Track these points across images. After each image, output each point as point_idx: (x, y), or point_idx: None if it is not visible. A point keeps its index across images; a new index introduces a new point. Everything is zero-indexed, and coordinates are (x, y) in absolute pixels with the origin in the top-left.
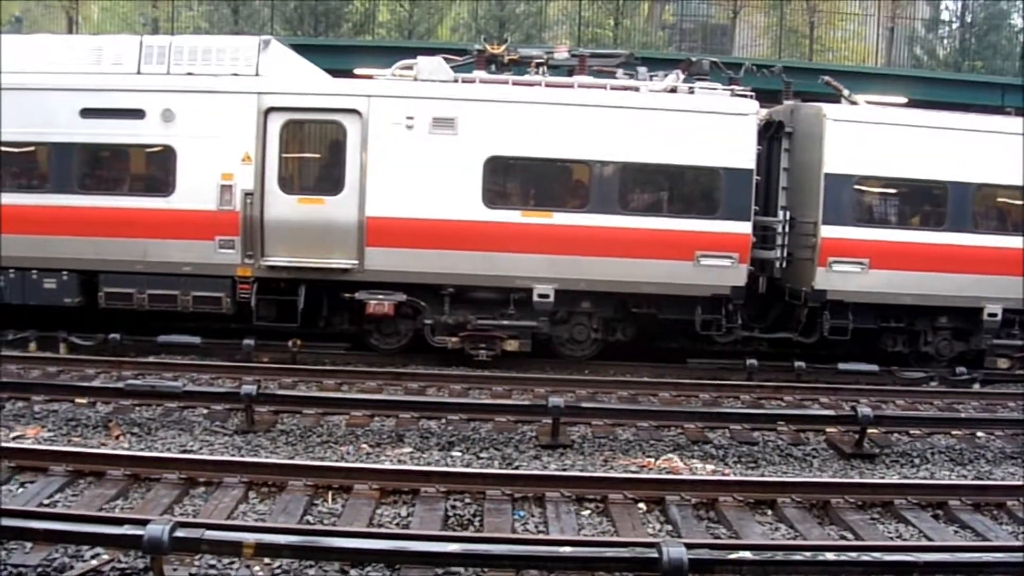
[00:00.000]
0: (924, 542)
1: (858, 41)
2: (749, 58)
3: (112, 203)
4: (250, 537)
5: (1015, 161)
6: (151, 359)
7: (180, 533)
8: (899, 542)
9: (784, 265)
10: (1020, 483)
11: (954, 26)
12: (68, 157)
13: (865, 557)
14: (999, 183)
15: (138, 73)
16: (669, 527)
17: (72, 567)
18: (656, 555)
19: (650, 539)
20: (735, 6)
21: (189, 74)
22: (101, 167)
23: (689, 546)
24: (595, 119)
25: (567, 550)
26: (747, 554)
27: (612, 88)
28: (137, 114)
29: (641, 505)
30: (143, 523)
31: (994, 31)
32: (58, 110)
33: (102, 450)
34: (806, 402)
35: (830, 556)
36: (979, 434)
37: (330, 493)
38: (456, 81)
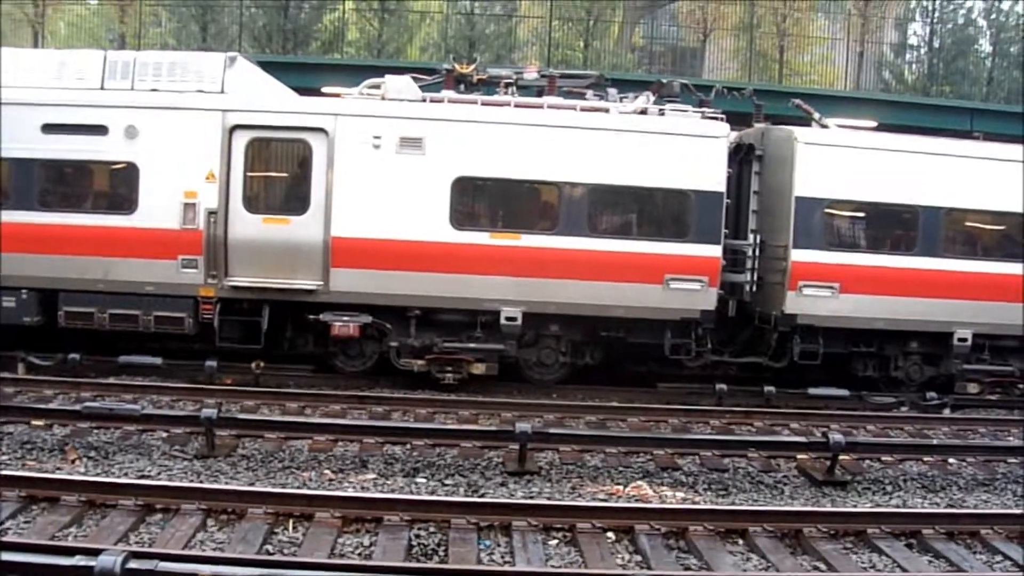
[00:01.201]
0: (899, 573)
1: (826, 65)
2: (719, 80)
3: (73, 220)
4: (206, 569)
5: (985, 185)
6: (111, 380)
7: (133, 564)
8: (873, 573)
9: (754, 289)
10: (993, 511)
11: (922, 51)
12: (29, 173)
13: None
14: (969, 207)
15: (101, 88)
16: (639, 557)
17: None
18: None
19: (619, 571)
20: (705, 29)
21: (153, 90)
22: (62, 183)
23: None
24: (565, 140)
25: None
26: None
27: (582, 109)
28: (100, 130)
29: (610, 534)
30: (95, 553)
31: (962, 56)
32: (19, 125)
33: (56, 475)
34: (776, 427)
35: None
36: (951, 461)
37: (291, 521)
38: (424, 100)
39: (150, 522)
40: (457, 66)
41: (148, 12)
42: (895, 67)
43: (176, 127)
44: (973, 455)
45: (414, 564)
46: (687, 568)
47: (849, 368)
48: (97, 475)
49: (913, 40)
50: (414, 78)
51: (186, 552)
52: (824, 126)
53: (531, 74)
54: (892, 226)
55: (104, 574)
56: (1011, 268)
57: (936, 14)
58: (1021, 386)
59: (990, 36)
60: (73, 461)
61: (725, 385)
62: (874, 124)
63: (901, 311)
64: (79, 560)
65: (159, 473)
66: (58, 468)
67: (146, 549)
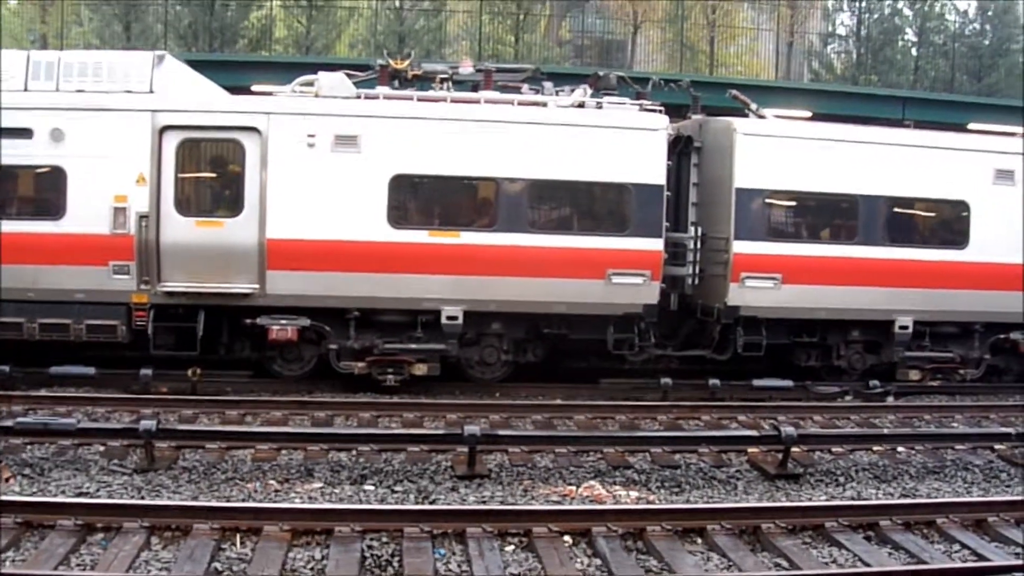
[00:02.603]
0: (861, 567)
1: (751, 56)
2: (649, 72)
3: None
4: None
5: (923, 173)
6: (43, 392)
7: None
8: (836, 569)
9: (696, 282)
10: (948, 500)
11: (850, 41)
12: None
13: None
14: (908, 195)
15: (25, 90)
16: (598, 561)
17: None
18: None
19: None
20: (635, 21)
21: (79, 91)
22: None
23: None
24: (502, 135)
25: None
26: None
27: (519, 103)
28: (24, 133)
29: (567, 538)
30: None
31: (889, 46)
32: None
33: None
34: (724, 421)
35: None
36: (900, 449)
37: (238, 536)
38: (359, 97)
39: (91, 542)
40: (391, 62)
41: (70, 12)
42: (824, 57)
43: (104, 129)
44: (921, 443)
45: None
46: (648, 570)
47: (791, 358)
48: (33, 494)
49: (841, 30)
50: (347, 75)
51: (131, 575)
52: (761, 117)
53: (467, 69)
54: (832, 216)
55: None
56: (949, 255)
57: (863, 3)
58: (962, 372)
59: (915, 25)
60: (7, 480)
61: (670, 379)
62: (809, 114)
63: (843, 300)
64: None
65: (98, 490)
66: None
67: (89, 574)
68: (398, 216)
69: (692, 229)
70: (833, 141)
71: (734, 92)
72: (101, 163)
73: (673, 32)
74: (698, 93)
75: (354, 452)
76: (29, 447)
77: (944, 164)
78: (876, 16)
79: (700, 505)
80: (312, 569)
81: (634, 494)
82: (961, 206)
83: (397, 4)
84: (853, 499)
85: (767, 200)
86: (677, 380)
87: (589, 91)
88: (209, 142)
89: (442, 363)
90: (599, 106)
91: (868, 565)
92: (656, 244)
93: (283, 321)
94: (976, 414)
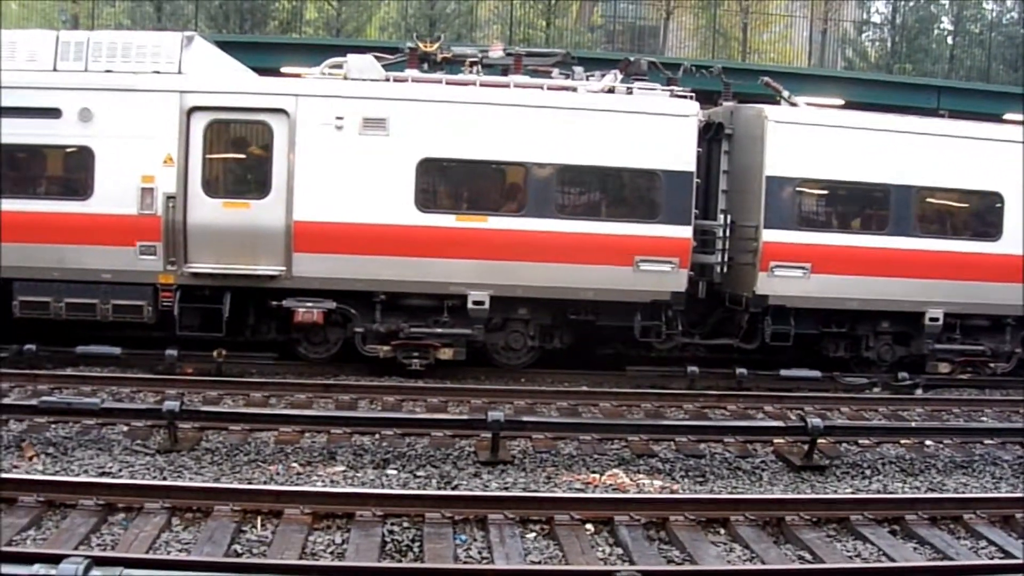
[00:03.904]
0: (886, 562)
1: (785, 43)
2: (682, 58)
3: (27, 207)
4: None
5: (956, 164)
6: (69, 371)
7: (96, 573)
8: (860, 563)
9: (724, 270)
10: (975, 495)
11: (885, 29)
12: None
13: None
14: (940, 186)
15: (54, 70)
16: (620, 550)
17: None
18: None
19: (606, 568)
20: (668, 7)
21: (108, 71)
22: (14, 169)
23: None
24: (531, 120)
25: None
26: None
27: (549, 88)
28: (53, 113)
29: (589, 526)
30: (56, 560)
31: (924, 34)
32: None
33: (13, 474)
34: (750, 411)
35: None
36: (928, 443)
37: (259, 518)
38: (388, 80)
39: (112, 522)
40: (421, 44)
41: None
42: (858, 44)
43: (132, 109)
44: (950, 437)
45: (391, 564)
46: (670, 561)
47: (820, 349)
48: (56, 473)
49: (876, 18)
50: (377, 57)
51: (151, 556)
52: (793, 104)
53: (496, 52)
54: (864, 205)
55: None
56: (982, 247)
57: None
58: (992, 365)
59: (951, 14)
60: (31, 458)
61: (697, 368)
62: (841, 102)
63: (873, 291)
64: (39, 569)
65: (120, 470)
66: (15, 466)
67: (109, 554)
68: (426, 200)
69: (721, 217)
70: (865, 130)
71: (766, 79)
72: (129, 143)
73: (706, 18)
74: (729, 80)
75: (377, 436)
76: (53, 426)
77: (978, 155)
78: (912, 4)
79: (724, 495)
80: (332, 553)
81: (658, 483)
82: (995, 198)
83: None
84: (879, 492)
85: (798, 189)
86: (704, 369)
87: (620, 76)
88: (237, 123)
89: (468, 348)
90: (629, 92)
91: (893, 560)
92: (685, 231)
93: (309, 304)
94: (1006, 408)
